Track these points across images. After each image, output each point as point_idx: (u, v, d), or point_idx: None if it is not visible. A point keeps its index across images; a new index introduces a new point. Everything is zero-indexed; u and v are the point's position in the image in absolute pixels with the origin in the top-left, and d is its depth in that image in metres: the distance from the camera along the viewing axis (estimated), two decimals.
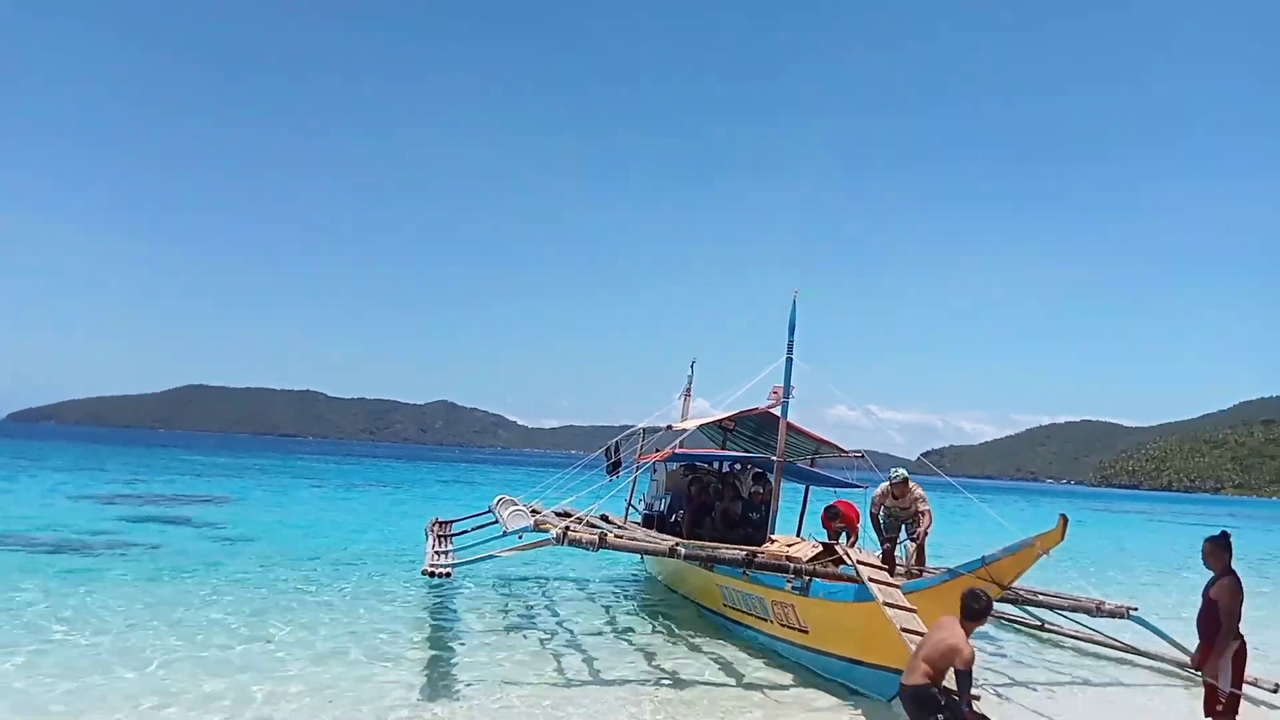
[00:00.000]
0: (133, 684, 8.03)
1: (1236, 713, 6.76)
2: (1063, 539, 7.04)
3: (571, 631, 11.44)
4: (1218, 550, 6.90)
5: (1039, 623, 12.56)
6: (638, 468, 15.10)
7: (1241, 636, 6.80)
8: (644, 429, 15.51)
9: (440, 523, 15.01)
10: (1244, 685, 6.97)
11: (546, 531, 9.99)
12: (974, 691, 6.57)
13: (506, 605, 13.02)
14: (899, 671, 7.29)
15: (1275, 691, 9.13)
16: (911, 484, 10.81)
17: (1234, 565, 6.96)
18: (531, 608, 12.96)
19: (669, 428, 15.28)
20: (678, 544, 10.45)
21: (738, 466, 15.51)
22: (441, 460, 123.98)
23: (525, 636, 10.94)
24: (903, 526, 11.01)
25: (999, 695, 9.21)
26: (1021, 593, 10.81)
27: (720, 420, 15.10)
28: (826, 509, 12.28)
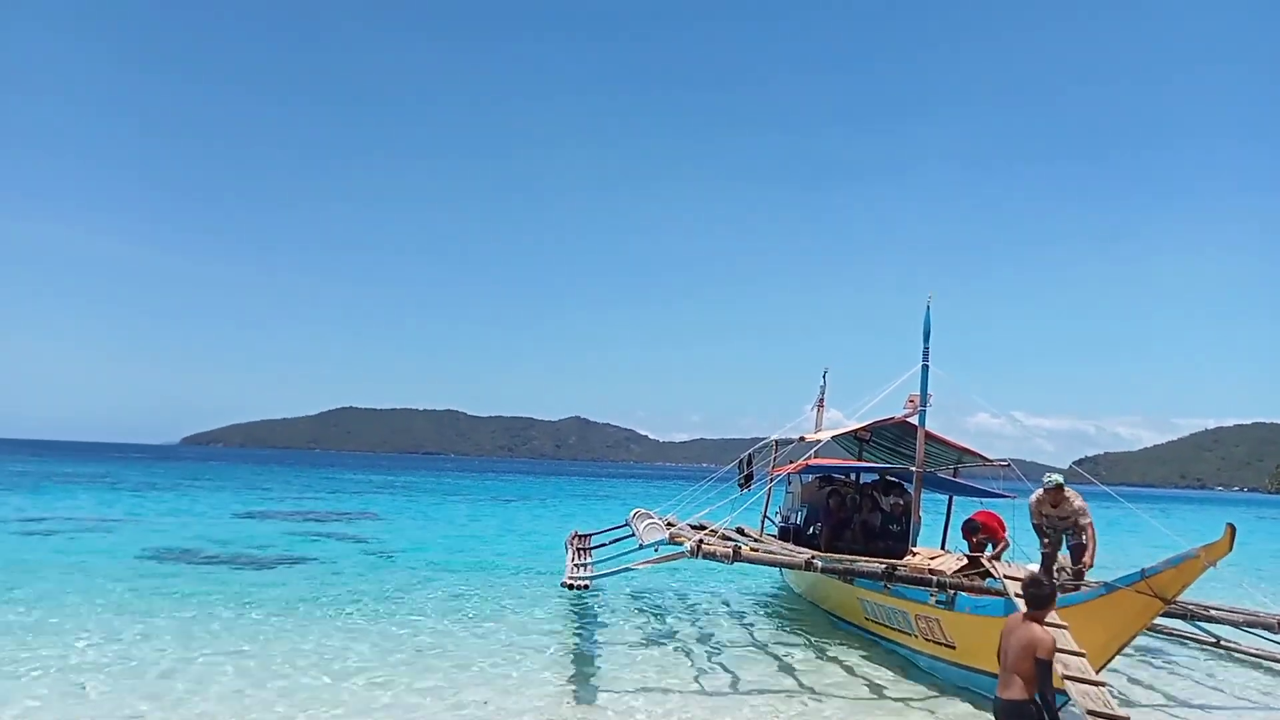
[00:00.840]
0: (323, 688, 8.60)
1: None
2: (1231, 549, 6.56)
3: (709, 643, 11.44)
4: None
5: (1214, 639, 11.69)
6: (771, 480, 14.96)
7: None
8: (776, 441, 15.38)
9: (579, 536, 15.31)
10: None
11: (681, 544, 10.04)
12: (1126, 712, 6.19)
13: (645, 618, 13.15)
14: (1056, 690, 6.94)
15: None
16: (1068, 491, 10.21)
17: None
18: (669, 620, 13.03)
19: (801, 439, 15.10)
20: (815, 557, 10.29)
21: (875, 478, 15.16)
22: (576, 475, 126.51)
23: (663, 647, 11.02)
24: (1064, 537, 10.43)
25: (1174, 717, 8.63)
26: (1192, 608, 10.07)
27: (855, 430, 14.80)
28: (965, 522, 11.81)
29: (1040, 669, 5.18)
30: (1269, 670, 10.87)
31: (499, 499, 51.40)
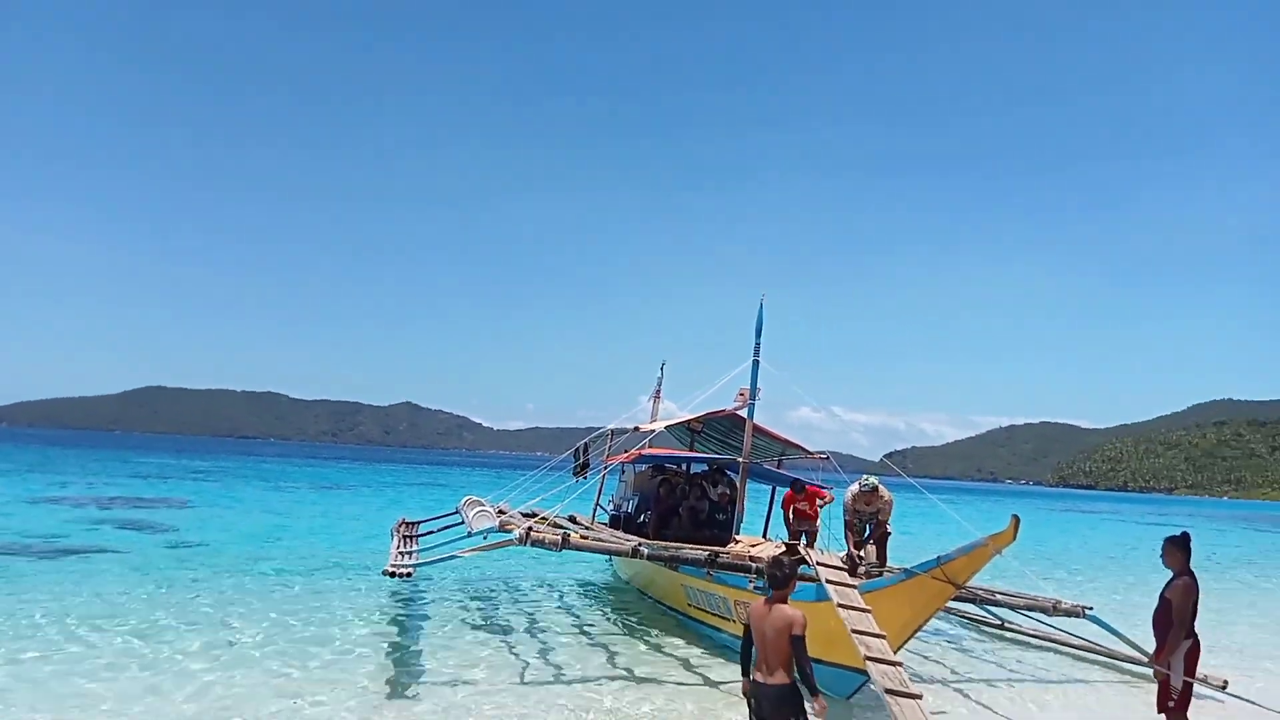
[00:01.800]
0: (94, 688, 7.92)
1: (1187, 708, 6.93)
2: (1015, 538, 7.16)
3: (535, 631, 11.43)
4: (1176, 550, 7.03)
5: (999, 622, 12.77)
6: (605, 469, 15.11)
7: (1195, 635, 6.96)
8: (612, 430, 15.52)
9: (406, 523, 14.92)
10: (1195, 682, 7.14)
11: (510, 532, 9.99)
12: (918, 689, 6.68)
13: (471, 606, 12.98)
14: (857, 670, 7.40)
15: (1224, 688, 9.37)
16: (882, 490, 10.98)
17: (1191, 566, 7.12)
18: (497, 608, 12.92)
19: (636, 429, 15.30)
20: (641, 544, 10.50)
21: (705, 468, 15.59)
22: (406, 462, 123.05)
23: (488, 636, 10.92)
24: (867, 527, 11.19)
25: (961, 694, 9.37)
26: (980, 592, 10.98)
27: (688, 422, 15.16)
28: (794, 482, 12.45)
29: (796, 645, 5.43)
30: (1043, 649, 11.98)
31: (322, 486, 49.25)
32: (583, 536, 11.24)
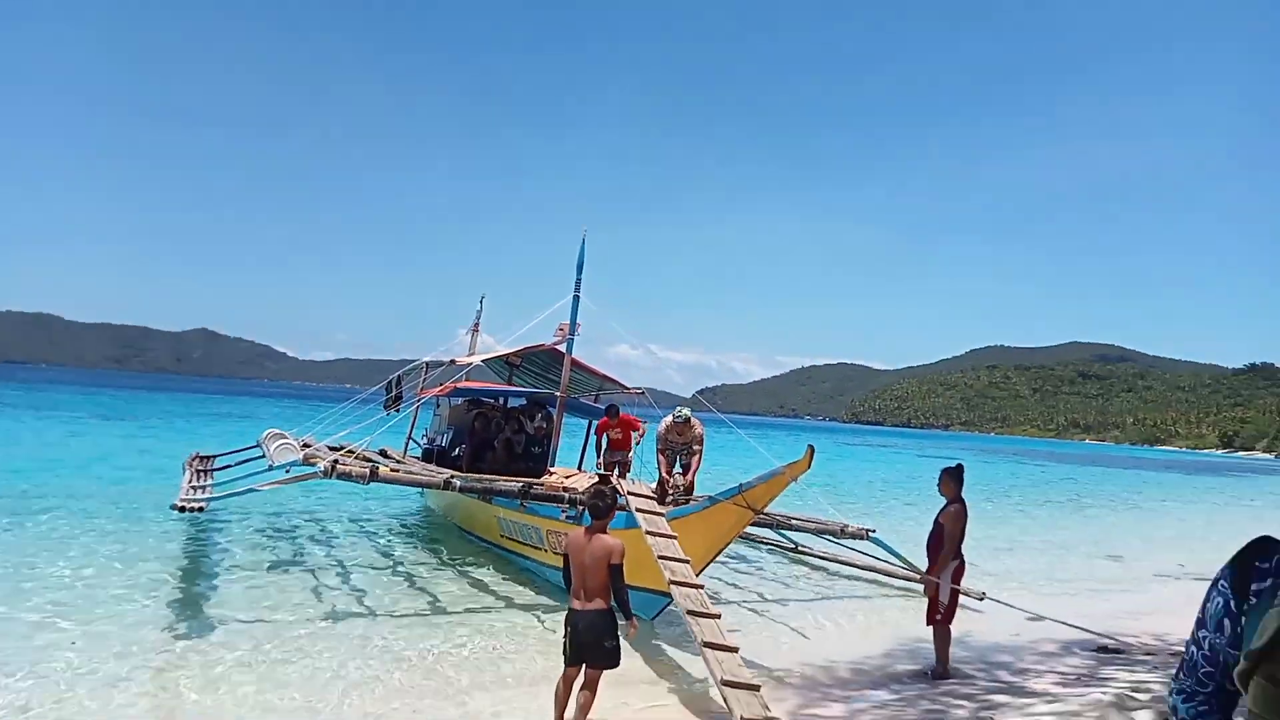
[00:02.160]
0: None
1: (952, 619, 7.74)
2: (809, 467, 7.66)
3: (343, 568, 11.14)
4: (949, 480, 7.78)
5: (794, 545, 13.70)
6: (419, 402, 14.79)
7: (961, 555, 7.76)
8: (427, 363, 15.17)
9: (201, 457, 14.11)
10: (959, 596, 7.97)
11: (315, 465, 9.62)
12: (718, 609, 7.10)
13: (274, 544, 12.45)
14: (662, 593, 7.74)
15: (982, 599, 10.54)
16: (694, 421, 11.40)
17: (962, 494, 7.89)
18: (301, 546, 12.47)
19: (452, 362, 15.03)
20: (454, 477, 10.43)
21: (523, 402, 15.58)
22: (202, 393, 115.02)
23: (292, 575, 10.53)
24: (678, 457, 11.63)
25: (756, 612, 10.02)
26: (778, 517, 11.72)
27: (506, 355, 15.04)
28: (609, 407, 12.77)
29: (615, 573, 5.68)
30: (831, 569, 13.00)
31: (105, 417, 45.24)
32: (393, 470, 11.02)
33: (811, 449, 7.64)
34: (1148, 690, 6.52)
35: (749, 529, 10.91)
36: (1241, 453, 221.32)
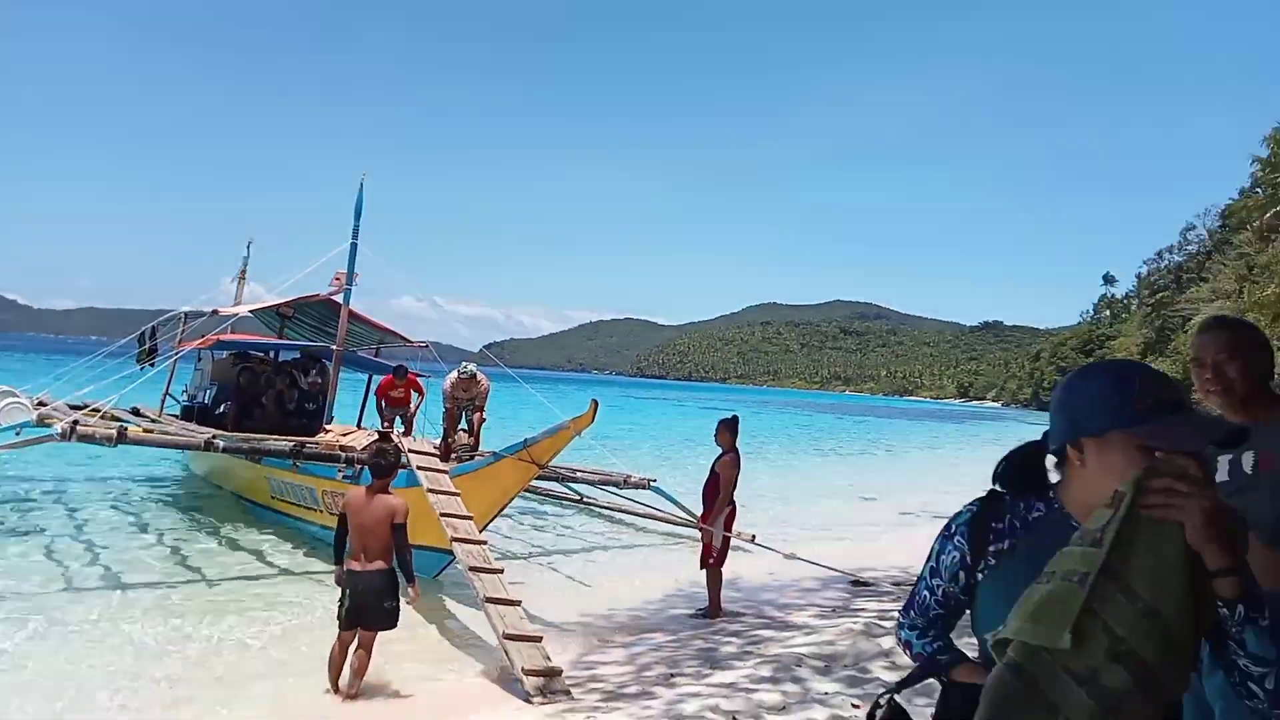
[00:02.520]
0: None
1: (724, 561, 8.20)
2: (593, 421, 7.82)
3: (92, 537, 10.09)
4: (725, 431, 8.19)
5: (579, 496, 13.97)
6: (177, 355, 13.58)
7: (734, 502, 8.22)
8: (186, 313, 13.95)
9: None
10: (731, 539, 8.45)
11: (51, 426, 8.64)
12: (499, 565, 7.14)
13: (8, 513, 11.08)
14: (444, 550, 7.66)
15: (753, 541, 11.24)
16: (480, 376, 11.23)
17: (737, 444, 8.32)
18: (44, 515, 11.15)
19: (215, 312, 13.90)
20: (217, 436, 9.73)
21: (297, 356, 14.72)
22: None
23: (33, 545, 9.39)
24: (464, 414, 11.47)
25: (541, 565, 10.14)
26: (563, 471, 11.88)
27: (277, 306, 14.10)
28: (397, 368, 12.38)
29: (398, 533, 5.58)
30: (614, 519, 13.40)
31: None
32: (146, 430, 10.11)
33: (595, 403, 7.79)
34: (893, 618, 7.22)
35: (536, 482, 10.99)
36: (975, 401, 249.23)
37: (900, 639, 1.83)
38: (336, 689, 5.60)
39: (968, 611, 1.69)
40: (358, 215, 12.05)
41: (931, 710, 1.72)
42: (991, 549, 1.60)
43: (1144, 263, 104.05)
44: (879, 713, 1.70)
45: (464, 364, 11.31)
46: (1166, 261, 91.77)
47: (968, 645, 1.75)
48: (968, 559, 1.62)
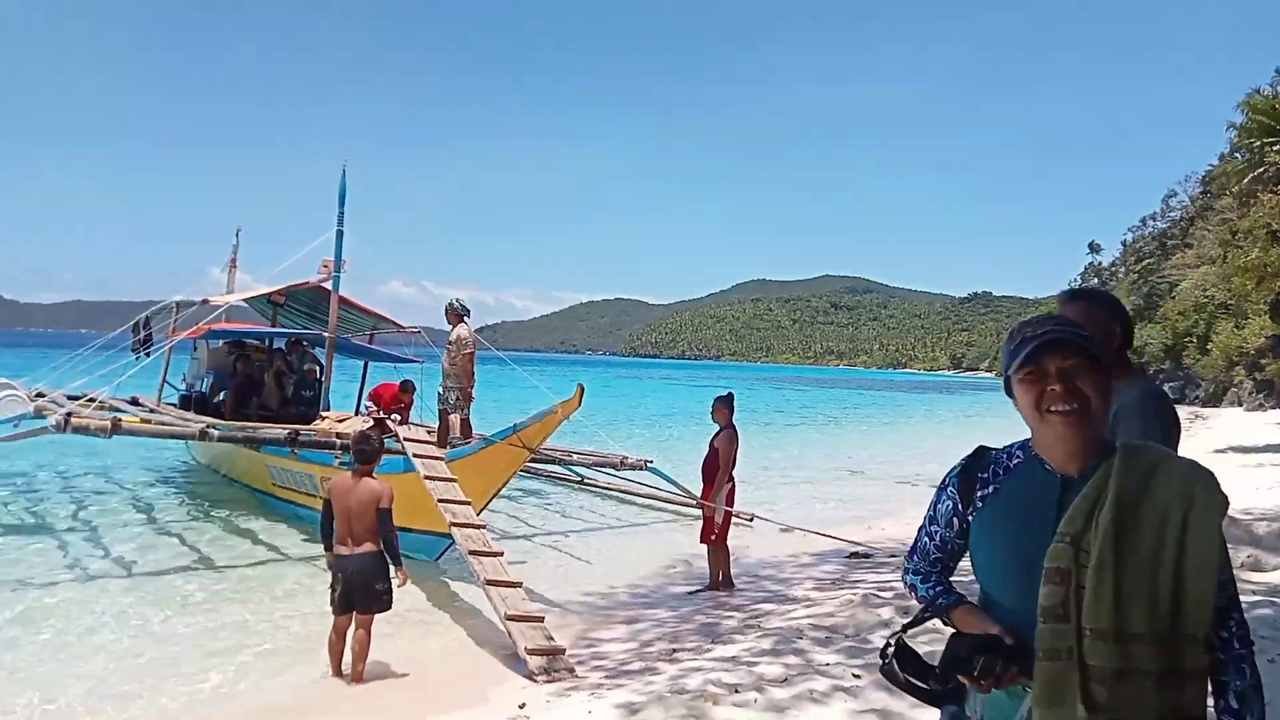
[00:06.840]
0: None
1: (725, 538, 8.26)
2: (580, 404, 7.86)
3: (97, 526, 10.12)
4: (722, 407, 8.25)
5: (578, 478, 14.04)
6: (170, 344, 13.55)
7: (733, 478, 8.26)
8: (178, 303, 13.91)
9: None
10: (732, 516, 8.51)
11: (46, 418, 8.62)
12: (499, 547, 7.19)
13: (12, 505, 11.08)
14: (444, 535, 7.71)
15: (751, 520, 11.30)
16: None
17: (734, 420, 8.36)
18: (49, 505, 11.18)
19: (205, 301, 13.85)
20: (211, 425, 9.73)
21: (290, 342, 14.71)
22: None
23: (40, 536, 9.42)
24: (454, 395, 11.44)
25: (541, 546, 10.20)
26: (559, 453, 11.92)
27: (269, 294, 14.06)
28: (404, 382, 12.70)
29: (383, 518, 5.61)
30: (612, 499, 13.47)
31: None
32: (143, 420, 10.10)
33: (581, 387, 7.84)
34: (891, 589, 7.30)
35: (535, 464, 11.04)
36: (968, 373, 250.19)
37: (906, 583, 2.04)
38: (339, 674, 5.65)
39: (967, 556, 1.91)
40: (342, 202, 12.02)
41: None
42: (979, 494, 1.84)
43: (1129, 230, 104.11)
44: (890, 650, 1.87)
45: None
46: (1151, 229, 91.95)
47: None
48: (959, 506, 1.88)
